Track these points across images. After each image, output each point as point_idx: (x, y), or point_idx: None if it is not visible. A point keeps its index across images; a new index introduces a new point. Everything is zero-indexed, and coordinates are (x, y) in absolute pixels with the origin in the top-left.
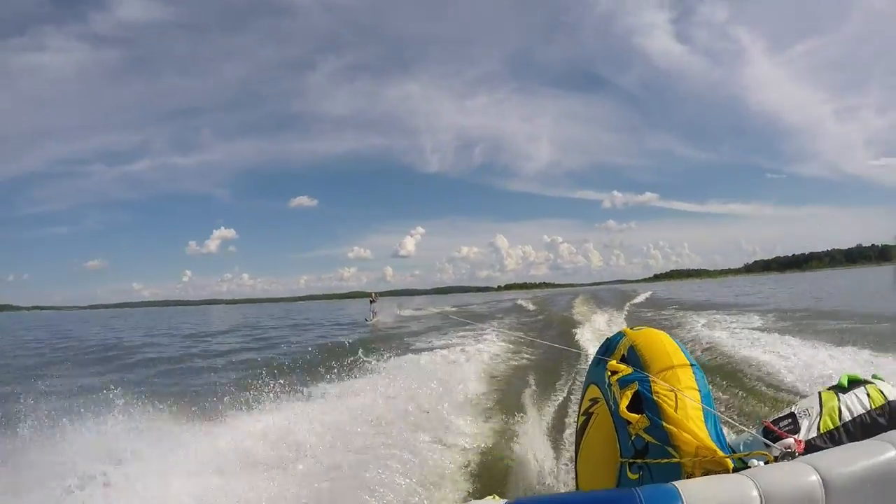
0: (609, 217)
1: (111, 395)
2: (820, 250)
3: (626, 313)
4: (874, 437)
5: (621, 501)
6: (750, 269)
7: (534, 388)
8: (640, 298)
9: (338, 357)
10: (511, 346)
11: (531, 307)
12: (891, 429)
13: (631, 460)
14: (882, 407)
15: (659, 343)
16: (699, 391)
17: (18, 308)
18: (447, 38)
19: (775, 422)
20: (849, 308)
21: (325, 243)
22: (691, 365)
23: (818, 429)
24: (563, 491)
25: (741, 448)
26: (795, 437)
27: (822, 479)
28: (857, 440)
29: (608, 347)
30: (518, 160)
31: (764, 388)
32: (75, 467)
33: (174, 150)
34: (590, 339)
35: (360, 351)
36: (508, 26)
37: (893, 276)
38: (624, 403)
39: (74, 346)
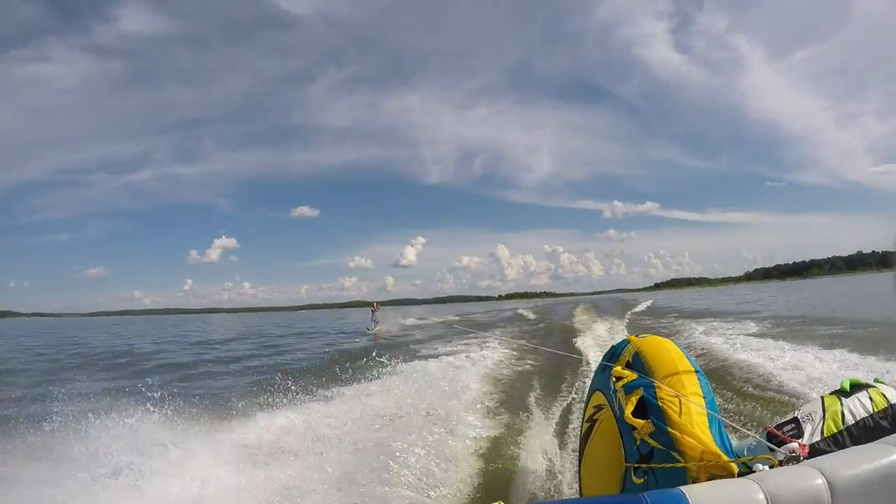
0: (609, 226)
1: (143, 392)
2: (821, 258)
3: (628, 321)
4: (879, 440)
5: None
6: (751, 277)
7: (537, 394)
8: (641, 307)
9: (349, 362)
10: (514, 353)
11: (532, 316)
12: (894, 432)
13: (636, 465)
14: (885, 410)
15: (664, 350)
16: (703, 397)
17: (19, 314)
18: (447, 49)
19: (779, 427)
20: (841, 314)
21: (326, 253)
22: (696, 371)
23: (822, 433)
24: (567, 497)
25: (745, 453)
26: (799, 441)
27: (828, 483)
28: (861, 443)
29: (613, 354)
30: (518, 171)
31: (751, 388)
32: (108, 459)
33: (176, 160)
34: (591, 347)
35: (374, 353)
36: (508, 38)
37: (893, 283)
38: (629, 409)
39: (86, 353)
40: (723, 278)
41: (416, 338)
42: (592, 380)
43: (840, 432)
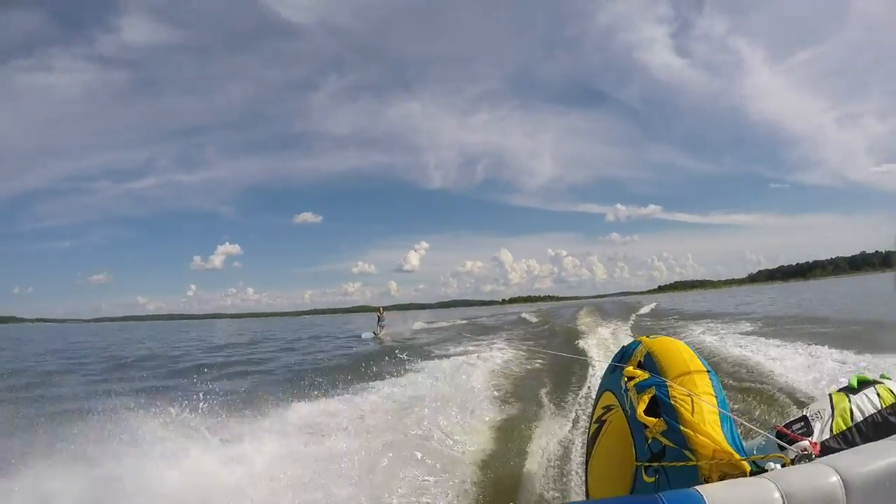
0: (612, 230)
1: (187, 388)
2: (824, 258)
3: (632, 323)
4: (891, 437)
5: None
6: (754, 278)
7: (544, 395)
8: (644, 310)
9: (372, 361)
10: (522, 354)
11: (536, 319)
12: None
13: (647, 464)
14: (893, 406)
15: (675, 350)
16: (715, 396)
17: (23, 320)
18: (448, 56)
19: (787, 425)
20: (832, 313)
21: (330, 258)
22: (707, 371)
23: (831, 430)
24: (575, 499)
25: (755, 452)
26: (810, 439)
27: (843, 480)
28: (870, 440)
29: (624, 355)
30: (521, 176)
31: (744, 382)
32: (157, 442)
33: (179, 168)
34: (596, 349)
35: (396, 352)
36: (509, 44)
37: (893, 283)
38: (641, 407)
39: (118, 356)
40: (726, 280)
41: (428, 340)
42: (602, 380)
43: (849, 429)
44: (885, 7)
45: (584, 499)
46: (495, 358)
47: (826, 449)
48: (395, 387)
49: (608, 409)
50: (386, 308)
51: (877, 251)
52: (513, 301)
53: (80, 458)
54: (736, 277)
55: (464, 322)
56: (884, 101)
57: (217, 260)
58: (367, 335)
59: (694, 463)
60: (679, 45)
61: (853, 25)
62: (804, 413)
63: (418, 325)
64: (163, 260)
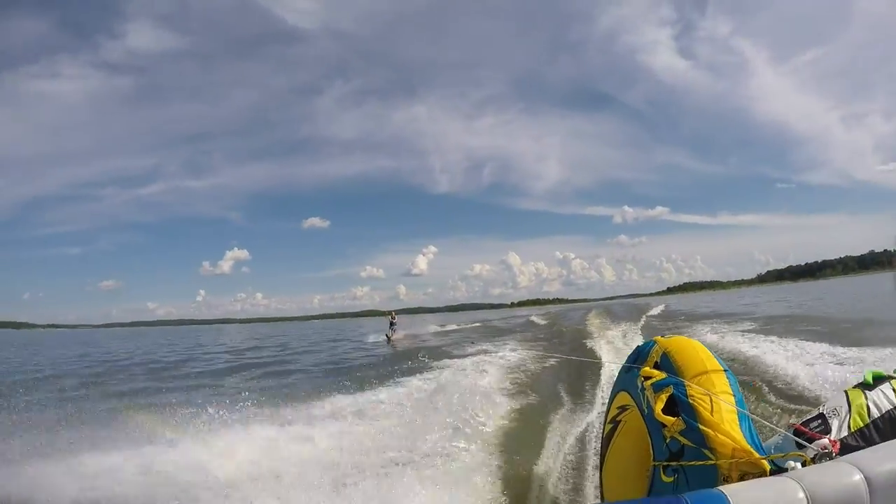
0: (620, 232)
1: (230, 384)
2: (832, 258)
3: (643, 324)
4: None
5: None
6: (763, 279)
7: (558, 397)
8: (654, 311)
9: (396, 360)
10: (534, 354)
11: (544, 322)
12: None
13: (665, 463)
14: None
15: (692, 349)
16: (733, 395)
17: (34, 326)
18: (453, 61)
19: (805, 423)
20: (832, 312)
21: (338, 263)
22: (724, 370)
23: (849, 427)
24: (590, 503)
25: (773, 450)
26: (829, 437)
27: (866, 478)
28: (888, 436)
29: (639, 355)
30: (527, 179)
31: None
32: (204, 427)
33: (186, 174)
34: (606, 351)
35: (420, 354)
36: (513, 48)
37: (893, 282)
38: (659, 406)
39: (155, 359)
40: (735, 281)
41: (444, 342)
42: (616, 381)
43: (867, 426)
44: (888, 7)
45: (599, 500)
46: (509, 357)
47: (845, 447)
48: (423, 381)
49: (623, 409)
50: (397, 312)
51: (885, 250)
52: (522, 304)
53: (161, 443)
54: (745, 278)
55: (477, 325)
56: (889, 100)
57: (226, 265)
58: (378, 338)
59: (713, 462)
60: (683, 47)
61: (857, 25)
62: (821, 410)
63: (433, 327)
64: (172, 265)
